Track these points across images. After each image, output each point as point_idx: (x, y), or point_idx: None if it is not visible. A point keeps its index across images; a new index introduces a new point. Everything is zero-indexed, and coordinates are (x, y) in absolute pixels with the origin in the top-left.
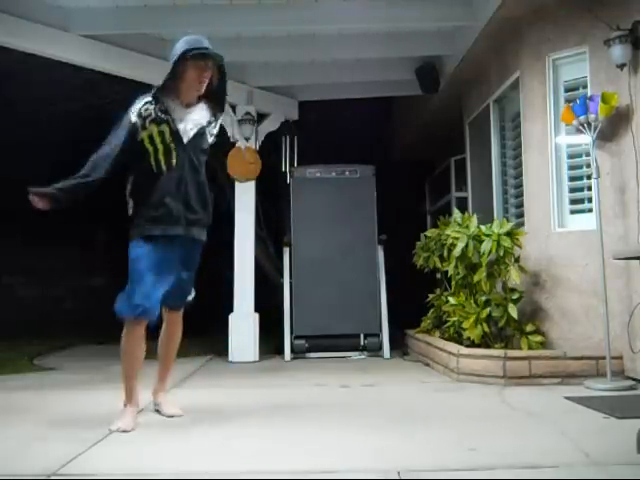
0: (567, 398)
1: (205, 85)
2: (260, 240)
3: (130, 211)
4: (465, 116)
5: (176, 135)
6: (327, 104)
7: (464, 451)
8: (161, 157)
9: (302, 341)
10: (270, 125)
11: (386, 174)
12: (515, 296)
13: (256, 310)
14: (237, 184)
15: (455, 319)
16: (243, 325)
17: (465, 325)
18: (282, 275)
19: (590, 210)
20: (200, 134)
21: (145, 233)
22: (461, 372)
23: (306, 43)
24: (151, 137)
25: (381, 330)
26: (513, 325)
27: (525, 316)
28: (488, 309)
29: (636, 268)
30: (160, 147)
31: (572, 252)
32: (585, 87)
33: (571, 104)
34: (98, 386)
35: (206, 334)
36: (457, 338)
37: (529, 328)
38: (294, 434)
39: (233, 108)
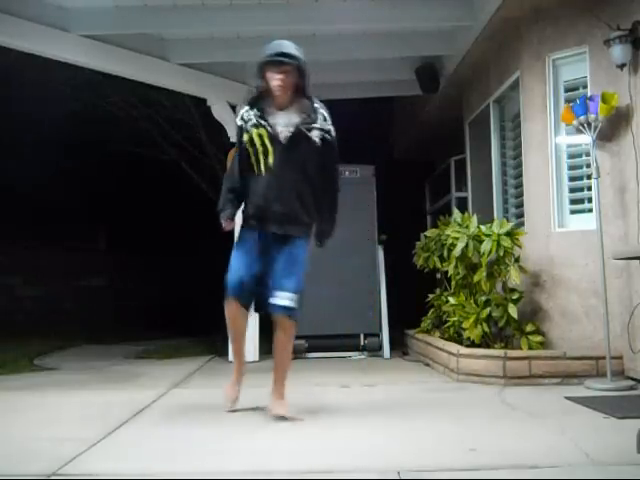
0: (567, 398)
1: (283, 88)
2: None
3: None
4: (465, 116)
5: (273, 137)
6: (327, 104)
7: (464, 451)
8: (261, 158)
9: (302, 341)
10: None
11: (386, 174)
12: (515, 296)
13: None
14: None
15: (455, 319)
16: None
17: (465, 325)
18: None
19: (590, 210)
20: (297, 134)
21: (244, 227)
22: (461, 372)
23: (306, 43)
24: (251, 140)
25: (381, 330)
26: (513, 325)
27: (525, 316)
28: (488, 309)
29: (636, 268)
30: (260, 149)
31: (572, 252)
32: (585, 87)
33: (571, 104)
34: (98, 386)
35: (207, 334)
36: (457, 338)
37: (529, 328)
38: (293, 434)
39: (233, 108)
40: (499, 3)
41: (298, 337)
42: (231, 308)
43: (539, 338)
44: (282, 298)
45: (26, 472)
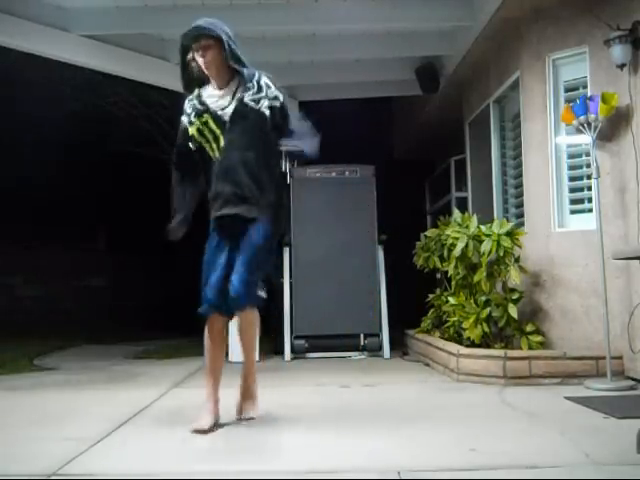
0: (567, 398)
1: (210, 64)
2: None
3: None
4: (465, 116)
5: (218, 119)
6: (327, 104)
7: (464, 451)
8: (213, 144)
9: (302, 341)
10: None
11: (386, 174)
12: (515, 296)
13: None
14: None
15: (455, 319)
16: None
17: (465, 325)
18: (282, 275)
19: (590, 210)
20: (240, 109)
21: (211, 223)
22: (461, 372)
23: (306, 43)
24: (199, 130)
25: (381, 330)
26: (513, 325)
27: (525, 316)
28: (488, 309)
29: (636, 268)
30: (209, 136)
31: (572, 252)
32: (585, 87)
33: (571, 104)
34: (98, 386)
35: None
36: (457, 338)
37: (529, 328)
38: (293, 434)
39: None
40: (499, 3)
41: (298, 337)
42: (212, 328)
43: (539, 338)
44: (232, 285)
45: (26, 472)
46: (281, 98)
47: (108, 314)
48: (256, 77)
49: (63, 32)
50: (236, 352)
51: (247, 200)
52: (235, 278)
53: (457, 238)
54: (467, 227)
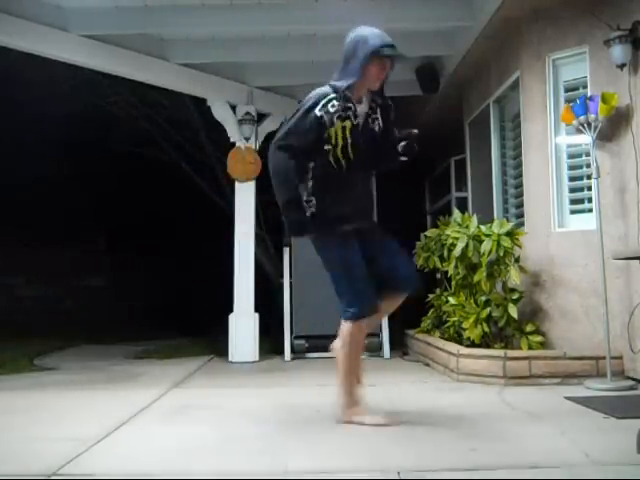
0: (567, 398)
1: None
2: (260, 240)
3: (312, 209)
4: (465, 116)
5: (355, 131)
6: None
7: (464, 451)
8: (340, 153)
9: (302, 341)
10: (270, 125)
11: (386, 174)
12: (515, 296)
13: (256, 310)
14: (237, 184)
15: (455, 319)
16: (243, 325)
17: (465, 325)
18: (282, 275)
19: (590, 210)
20: (364, 125)
21: (337, 231)
22: (461, 372)
23: (306, 43)
24: (336, 133)
25: (381, 330)
26: (513, 325)
27: (525, 316)
28: (488, 309)
29: (636, 268)
30: (341, 143)
31: (572, 252)
32: (585, 87)
33: (571, 104)
34: (98, 386)
35: (207, 334)
36: (457, 338)
37: (529, 328)
38: (294, 434)
39: (233, 108)
40: (499, 3)
41: (298, 337)
42: (364, 332)
43: (539, 338)
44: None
45: (26, 472)
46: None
47: (108, 314)
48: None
49: (62, 32)
50: (237, 352)
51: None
52: (402, 261)
53: (457, 238)
54: (467, 227)
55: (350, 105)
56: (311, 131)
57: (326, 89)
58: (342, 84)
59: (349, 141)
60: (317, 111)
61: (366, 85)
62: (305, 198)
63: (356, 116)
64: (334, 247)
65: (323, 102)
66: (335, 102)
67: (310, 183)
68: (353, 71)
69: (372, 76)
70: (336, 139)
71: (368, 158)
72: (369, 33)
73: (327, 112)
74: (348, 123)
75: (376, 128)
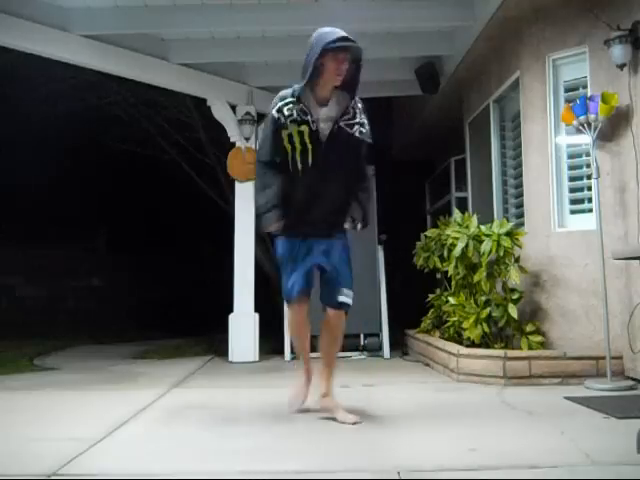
0: (567, 398)
1: (342, 77)
2: (260, 240)
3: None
4: (465, 116)
5: (314, 135)
6: None
7: (464, 451)
8: (298, 157)
9: None
10: None
11: (386, 174)
12: (515, 296)
13: (256, 310)
14: (237, 184)
15: (455, 319)
16: (243, 325)
17: (465, 325)
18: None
19: (590, 210)
20: (337, 129)
21: (284, 232)
22: (461, 372)
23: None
24: (290, 136)
25: (381, 330)
26: (513, 325)
27: (525, 316)
28: (488, 309)
29: (636, 268)
30: (298, 147)
31: (572, 252)
32: (585, 87)
33: (571, 104)
34: (98, 386)
35: (207, 334)
36: (457, 338)
37: (529, 328)
38: (293, 434)
39: (233, 108)
40: (499, 3)
41: None
42: (294, 310)
43: (539, 338)
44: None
45: (26, 472)
46: (367, 127)
47: (108, 314)
48: (353, 101)
49: (63, 32)
50: (237, 353)
51: (333, 225)
52: (330, 290)
53: (457, 238)
54: (467, 227)
55: (306, 109)
56: (272, 135)
57: (286, 92)
58: (297, 87)
59: (309, 147)
60: (274, 112)
61: (327, 83)
62: (270, 203)
63: (314, 121)
64: (279, 246)
65: (280, 105)
66: (291, 105)
67: (275, 188)
68: (307, 72)
69: (330, 72)
70: (294, 143)
71: (339, 166)
72: (323, 32)
73: (283, 115)
74: (305, 128)
75: (357, 133)
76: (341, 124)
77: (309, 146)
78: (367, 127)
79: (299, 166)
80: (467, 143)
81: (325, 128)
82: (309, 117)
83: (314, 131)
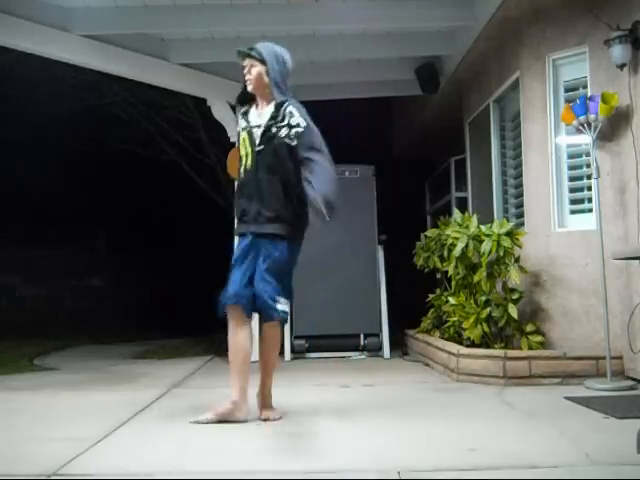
0: (567, 398)
1: (251, 82)
2: None
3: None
4: (465, 116)
5: (251, 138)
6: (327, 104)
7: (464, 451)
8: (243, 160)
9: (302, 341)
10: None
11: (386, 174)
12: (515, 296)
13: None
14: (236, 184)
15: (455, 319)
16: None
17: (465, 325)
18: None
19: (590, 210)
20: (268, 132)
21: (236, 232)
22: (461, 372)
23: (306, 43)
24: (241, 143)
25: (381, 330)
26: (513, 325)
27: (525, 316)
28: (488, 309)
29: (636, 268)
30: (243, 152)
31: (572, 252)
32: (585, 87)
33: (571, 104)
34: (98, 386)
35: (207, 334)
36: (457, 338)
37: (529, 328)
38: (293, 434)
39: (233, 108)
40: (499, 3)
41: (298, 337)
42: (233, 321)
43: (539, 338)
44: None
45: (26, 472)
46: (302, 126)
47: (108, 314)
48: (284, 105)
49: (63, 32)
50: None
51: (272, 219)
52: (263, 290)
53: (457, 238)
54: (467, 227)
55: (246, 117)
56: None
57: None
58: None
59: (248, 150)
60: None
61: (254, 91)
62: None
63: (251, 127)
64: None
65: (239, 115)
66: (241, 115)
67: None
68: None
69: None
70: (241, 148)
71: (268, 169)
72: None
73: (239, 124)
74: (244, 134)
75: (282, 135)
76: (273, 129)
77: (249, 150)
78: (298, 129)
79: (241, 168)
80: (467, 143)
81: (257, 132)
82: (247, 124)
83: (250, 137)
